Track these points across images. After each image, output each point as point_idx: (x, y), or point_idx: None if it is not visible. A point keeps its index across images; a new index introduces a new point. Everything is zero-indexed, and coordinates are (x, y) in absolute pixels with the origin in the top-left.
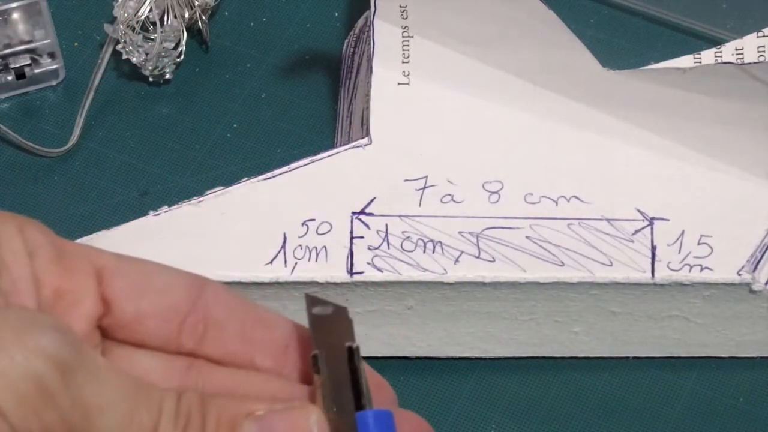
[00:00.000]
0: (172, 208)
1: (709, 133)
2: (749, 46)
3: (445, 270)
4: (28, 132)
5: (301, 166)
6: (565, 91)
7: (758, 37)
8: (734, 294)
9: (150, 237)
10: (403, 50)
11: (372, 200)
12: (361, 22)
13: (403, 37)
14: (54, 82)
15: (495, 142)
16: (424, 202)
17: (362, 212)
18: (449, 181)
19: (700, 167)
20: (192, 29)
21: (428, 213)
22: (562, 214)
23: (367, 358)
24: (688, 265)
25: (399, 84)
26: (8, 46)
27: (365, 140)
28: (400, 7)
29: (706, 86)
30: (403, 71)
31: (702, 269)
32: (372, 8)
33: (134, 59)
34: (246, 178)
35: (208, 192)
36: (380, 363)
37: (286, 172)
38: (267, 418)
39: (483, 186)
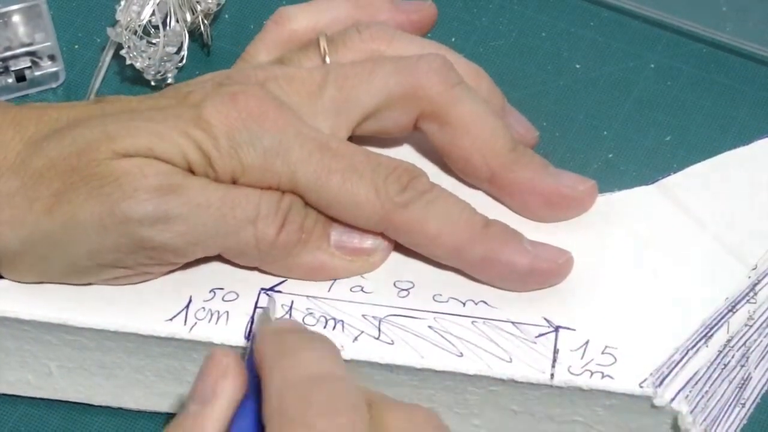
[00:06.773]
0: None
1: (624, 250)
2: None
3: (342, 347)
4: None
5: None
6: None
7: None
8: (636, 406)
9: None
10: None
11: (283, 281)
12: None
13: None
14: (54, 85)
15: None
16: (334, 288)
17: (271, 289)
18: (361, 276)
19: (611, 281)
20: (194, 33)
21: (335, 297)
22: (467, 313)
23: None
24: (590, 371)
25: None
26: (9, 48)
27: None
28: None
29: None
30: None
31: (603, 377)
32: None
33: (138, 64)
34: None
35: None
36: None
37: None
38: (349, 230)
39: (394, 284)
